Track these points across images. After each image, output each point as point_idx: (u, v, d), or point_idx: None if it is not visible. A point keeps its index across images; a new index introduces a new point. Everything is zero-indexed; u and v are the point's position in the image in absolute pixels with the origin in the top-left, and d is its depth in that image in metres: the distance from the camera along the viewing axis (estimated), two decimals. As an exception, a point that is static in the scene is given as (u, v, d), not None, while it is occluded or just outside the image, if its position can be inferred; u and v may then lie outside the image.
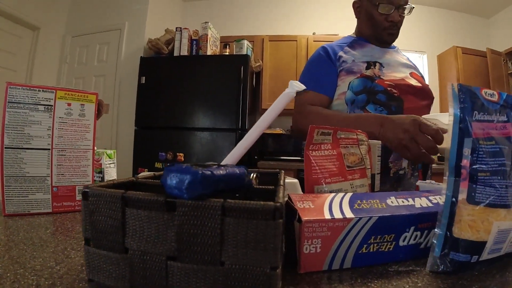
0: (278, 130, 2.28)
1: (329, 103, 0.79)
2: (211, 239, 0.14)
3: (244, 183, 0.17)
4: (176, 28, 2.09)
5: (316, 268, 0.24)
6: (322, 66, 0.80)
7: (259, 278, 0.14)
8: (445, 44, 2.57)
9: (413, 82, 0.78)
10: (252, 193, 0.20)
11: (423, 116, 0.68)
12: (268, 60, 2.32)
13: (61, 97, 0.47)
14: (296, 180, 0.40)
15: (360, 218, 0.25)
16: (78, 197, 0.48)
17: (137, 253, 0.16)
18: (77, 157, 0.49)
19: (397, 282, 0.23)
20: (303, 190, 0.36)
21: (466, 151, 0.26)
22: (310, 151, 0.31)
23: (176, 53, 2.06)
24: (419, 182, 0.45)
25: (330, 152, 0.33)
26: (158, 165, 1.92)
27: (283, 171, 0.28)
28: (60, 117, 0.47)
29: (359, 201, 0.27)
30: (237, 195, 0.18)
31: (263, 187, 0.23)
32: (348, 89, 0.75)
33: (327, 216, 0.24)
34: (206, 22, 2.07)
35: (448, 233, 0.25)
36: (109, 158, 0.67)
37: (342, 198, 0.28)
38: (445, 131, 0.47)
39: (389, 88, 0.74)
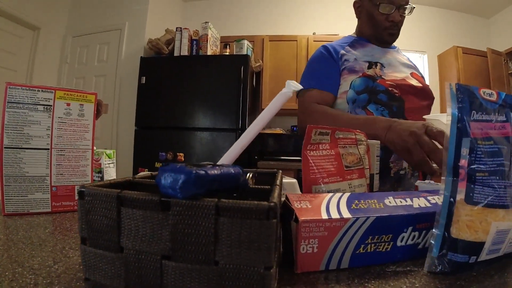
0: (278, 130, 2.28)
1: (334, 101, 0.78)
2: (205, 239, 0.14)
3: (239, 183, 0.17)
4: (176, 28, 2.09)
5: (313, 268, 0.24)
6: (325, 64, 0.79)
7: (253, 278, 0.14)
8: (446, 44, 2.56)
9: (414, 82, 0.78)
10: (249, 193, 0.20)
11: (424, 117, 0.68)
12: (268, 60, 2.33)
13: (60, 97, 0.48)
14: (294, 180, 0.40)
15: (358, 218, 0.24)
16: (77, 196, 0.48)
17: (132, 252, 0.16)
18: (76, 157, 0.49)
19: (394, 282, 0.23)
20: (301, 190, 0.36)
21: (464, 151, 0.26)
22: (308, 151, 0.31)
23: (176, 53, 2.06)
24: (418, 182, 0.45)
25: (328, 152, 0.33)
26: (158, 165, 1.93)
27: (280, 171, 0.28)
28: (59, 117, 0.47)
29: (356, 201, 0.27)
30: (234, 194, 0.18)
31: (260, 187, 0.23)
32: (350, 88, 0.75)
33: (324, 216, 0.24)
34: (206, 22, 2.07)
35: (446, 233, 0.25)
36: (109, 158, 0.67)
37: (340, 198, 0.28)
38: None
39: (390, 88, 0.74)
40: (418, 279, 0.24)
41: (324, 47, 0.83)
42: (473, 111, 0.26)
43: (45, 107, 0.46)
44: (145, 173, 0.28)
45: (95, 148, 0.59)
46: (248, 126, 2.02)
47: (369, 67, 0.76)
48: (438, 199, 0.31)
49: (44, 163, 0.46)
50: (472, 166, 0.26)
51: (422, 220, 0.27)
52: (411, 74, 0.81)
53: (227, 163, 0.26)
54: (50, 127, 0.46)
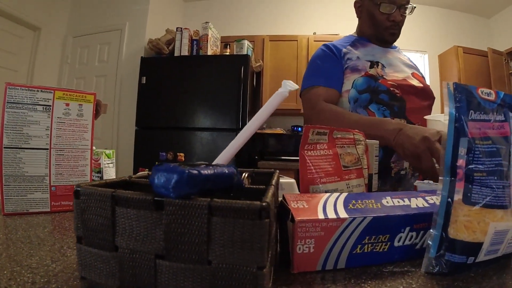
0: (279, 130, 2.28)
1: (339, 98, 0.77)
2: (198, 238, 0.14)
3: (233, 183, 0.17)
4: (177, 28, 2.10)
5: (309, 268, 0.24)
6: (329, 61, 0.79)
7: (245, 278, 0.14)
8: (446, 43, 2.56)
9: (415, 82, 0.78)
10: (245, 193, 0.20)
11: (425, 117, 0.68)
12: (268, 60, 2.32)
13: (59, 97, 0.48)
14: (293, 180, 0.40)
15: (354, 218, 0.24)
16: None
17: (126, 251, 0.16)
18: (75, 157, 0.49)
19: (391, 283, 0.23)
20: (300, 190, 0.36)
21: (462, 150, 0.26)
22: (306, 151, 0.31)
23: (176, 53, 2.06)
24: (417, 182, 0.45)
25: (326, 152, 0.33)
26: (158, 165, 1.93)
27: (277, 171, 0.28)
28: (58, 117, 0.47)
29: (354, 201, 0.27)
30: (231, 194, 0.18)
31: (255, 186, 0.23)
32: (352, 87, 0.75)
33: (321, 216, 0.24)
34: (206, 22, 2.07)
35: (444, 233, 0.25)
36: (108, 158, 0.67)
37: (337, 198, 0.27)
38: None
39: (391, 88, 0.74)
40: (416, 280, 0.24)
41: (326, 46, 0.83)
42: (471, 111, 0.26)
43: (44, 107, 0.46)
44: (142, 173, 0.28)
45: (94, 148, 0.59)
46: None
47: (371, 67, 0.76)
48: (436, 199, 0.31)
49: (43, 163, 0.46)
50: (470, 166, 0.25)
51: (419, 220, 0.27)
52: (412, 74, 0.81)
53: (222, 162, 0.26)
54: (49, 127, 0.47)
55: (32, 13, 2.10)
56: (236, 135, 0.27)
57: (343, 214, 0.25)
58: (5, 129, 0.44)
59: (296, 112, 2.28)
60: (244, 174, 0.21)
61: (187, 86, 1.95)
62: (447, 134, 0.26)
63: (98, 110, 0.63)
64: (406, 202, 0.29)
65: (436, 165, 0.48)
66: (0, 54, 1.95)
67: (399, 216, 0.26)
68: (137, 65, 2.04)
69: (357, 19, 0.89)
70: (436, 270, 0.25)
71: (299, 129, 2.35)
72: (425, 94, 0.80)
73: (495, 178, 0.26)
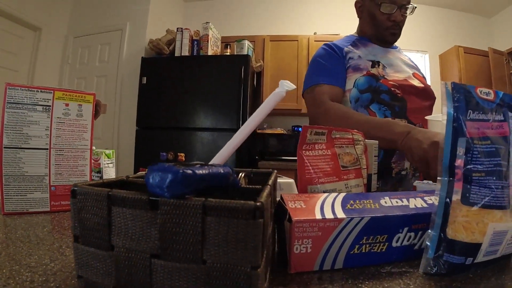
0: (279, 130, 2.28)
1: (343, 96, 0.77)
2: (193, 238, 0.14)
3: (229, 183, 0.17)
4: (177, 28, 2.10)
5: (306, 268, 0.24)
6: (332, 60, 0.78)
7: (240, 277, 0.14)
8: (447, 43, 2.55)
9: (416, 82, 0.78)
10: (241, 193, 0.20)
11: (426, 117, 0.68)
12: (269, 60, 2.32)
13: (59, 97, 0.48)
14: (291, 180, 0.40)
15: (352, 219, 0.24)
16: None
17: (122, 251, 0.16)
18: (74, 157, 0.49)
19: (388, 283, 0.23)
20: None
21: (460, 150, 0.25)
22: (304, 151, 0.31)
23: (177, 54, 2.06)
24: (416, 182, 0.45)
25: (324, 152, 0.33)
26: (159, 165, 1.93)
27: (275, 171, 0.28)
28: (58, 117, 0.47)
29: (352, 201, 0.27)
30: (228, 194, 0.18)
31: (252, 186, 0.23)
32: (353, 87, 0.75)
33: (318, 216, 0.24)
34: (207, 22, 2.07)
35: (442, 234, 0.25)
36: (108, 158, 0.68)
37: (335, 198, 0.27)
38: None
39: (392, 89, 0.73)
40: (413, 280, 0.24)
41: (327, 45, 0.82)
42: (469, 110, 0.26)
43: (44, 107, 0.47)
44: (140, 173, 0.28)
45: (95, 148, 0.59)
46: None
47: (372, 66, 0.76)
48: (434, 200, 0.30)
49: (43, 162, 0.46)
50: (468, 166, 0.25)
51: (418, 221, 0.27)
52: (413, 74, 0.81)
53: (219, 162, 0.26)
54: (49, 127, 0.47)
55: (33, 13, 2.11)
56: (237, 135, 0.27)
57: (340, 214, 0.25)
58: (5, 129, 0.44)
59: (296, 112, 2.28)
60: (240, 174, 0.21)
61: (188, 86, 1.95)
62: (445, 134, 0.26)
63: (97, 110, 0.63)
64: (405, 202, 0.29)
65: None
66: (1, 54, 1.96)
67: (397, 216, 0.26)
68: (137, 65, 2.05)
69: (357, 19, 0.88)
70: (434, 271, 0.25)
71: (300, 129, 2.35)
72: (426, 94, 0.79)
73: (494, 178, 0.26)
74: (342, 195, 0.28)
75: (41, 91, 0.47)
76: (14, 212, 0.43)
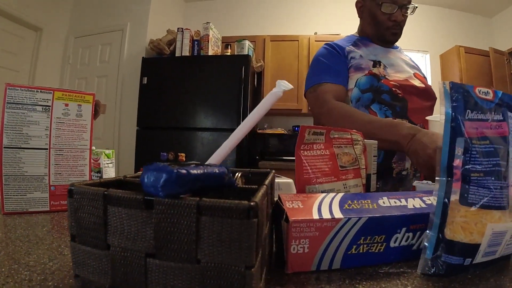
0: (280, 130, 2.28)
1: (346, 94, 0.76)
2: (187, 237, 0.14)
3: (224, 183, 0.17)
4: (178, 28, 2.10)
5: (304, 268, 0.24)
6: (334, 58, 0.78)
7: (234, 277, 0.14)
8: (448, 43, 2.54)
9: (417, 82, 0.78)
10: (237, 193, 0.20)
11: (427, 118, 0.68)
12: (269, 60, 2.32)
13: (58, 97, 0.48)
14: (290, 180, 0.40)
15: (349, 219, 0.24)
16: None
17: (118, 250, 0.16)
18: (74, 157, 0.49)
19: (386, 284, 0.23)
20: (297, 190, 0.36)
21: (459, 150, 0.25)
22: (302, 151, 0.31)
23: (177, 54, 2.07)
24: (416, 183, 0.44)
25: (322, 152, 0.33)
26: (159, 165, 1.93)
27: (273, 171, 0.28)
28: (57, 118, 0.48)
29: (349, 202, 0.27)
30: (223, 194, 0.18)
31: (248, 186, 0.23)
32: (355, 86, 0.75)
33: (315, 216, 0.24)
34: (207, 22, 2.08)
35: (440, 235, 0.25)
36: (108, 158, 0.68)
37: (333, 198, 0.27)
38: None
39: (393, 89, 0.73)
40: (411, 281, 0.24)
41: (329, 44, 0.82)
42: (467, 110, 0.26)
43: (44, 107, 0.47)
44: (138, 172, 0.28)
45: (94, 148, 0.59)
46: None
47: (374, 66, 0.76)
48: (433, 200, 0.30)
49: (42, 162, 0.46)
50: (466, 166, 0.25)
51: (416, 221, 0.27)
52: (414, 74, 0.81)
53: (215, 162, 0.26)
54: (49, 127, 0.47)
55: (34, 14, 2.12)
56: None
57: (338, 214, 0.24)
58: (5, 129, 0.44)
59: (297, 112, 2.28)
60: (237, 174, 0.21)
61: (188, 86, 1.95)
62: (443, 134, 0.25)
63: (97, 110, 0.63)
64: (403, 202, 0.29)
65: None
66: (2, 55, 1.96)
67: (395, 216, 0.26)
68: (138, 66, 2.05)
69: (358, 19, 0.88)
70: (432, 272, 0.25)
71: (300, 129, 2.34)
72: (427, 94, 0.79)
73: (493, 178, 0.26)
74: (340, 195, 0.28)
75: (40, 91, 0.47)
76: (14, 212, 0.43)
